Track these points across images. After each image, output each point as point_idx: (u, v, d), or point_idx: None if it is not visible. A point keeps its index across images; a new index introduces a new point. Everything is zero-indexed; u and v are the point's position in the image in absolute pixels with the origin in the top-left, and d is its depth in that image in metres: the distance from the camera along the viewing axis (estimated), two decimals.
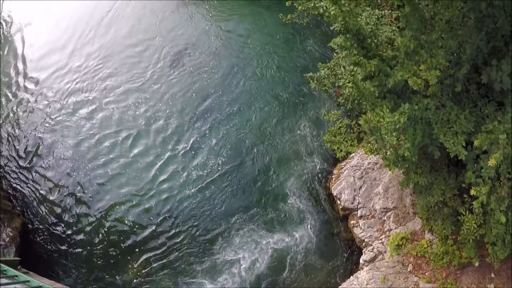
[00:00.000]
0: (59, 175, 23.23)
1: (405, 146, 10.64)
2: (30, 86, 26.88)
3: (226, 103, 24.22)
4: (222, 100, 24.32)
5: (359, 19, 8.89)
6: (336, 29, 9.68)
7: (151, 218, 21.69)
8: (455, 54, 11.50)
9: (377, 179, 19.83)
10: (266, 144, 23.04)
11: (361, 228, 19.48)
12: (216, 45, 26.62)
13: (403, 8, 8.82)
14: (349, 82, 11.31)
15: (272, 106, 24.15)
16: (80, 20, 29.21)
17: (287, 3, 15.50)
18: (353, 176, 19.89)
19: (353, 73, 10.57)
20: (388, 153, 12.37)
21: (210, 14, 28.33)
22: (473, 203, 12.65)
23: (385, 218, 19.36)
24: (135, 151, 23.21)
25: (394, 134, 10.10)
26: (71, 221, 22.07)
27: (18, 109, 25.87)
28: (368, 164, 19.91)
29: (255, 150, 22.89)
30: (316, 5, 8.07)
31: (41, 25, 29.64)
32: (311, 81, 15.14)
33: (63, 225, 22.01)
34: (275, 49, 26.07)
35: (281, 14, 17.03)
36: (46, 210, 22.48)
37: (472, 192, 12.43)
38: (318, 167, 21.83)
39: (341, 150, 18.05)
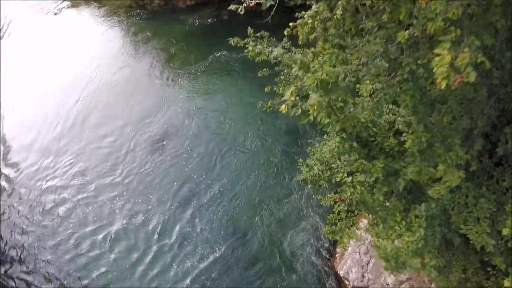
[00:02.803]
0: (39, 280, 20.50)
1: (430, 264, 8.45)
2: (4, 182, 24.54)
3: (209, 184, 21.89)
4: (205, 182, 21.99)
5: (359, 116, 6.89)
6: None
7: None
8: (465, 128, 9.51)
9: None
10: (259, 217, 20.69)
11: None
12: (191, 126, 24.64)
13: (406, 95, 6.79)
14: (347, 177, 9.20)
15: (259, 176, 22.02)
16: (52, 112, 27.36)
17: (265, 88, 13.54)
18: (358, 252, 17.55)
19: (355, 185, 8.43)
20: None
21: (182, 95, 26.62)
22: None
23: None
24: (117, 249, 20.42)
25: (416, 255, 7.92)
26: None
27: None
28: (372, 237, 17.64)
29: (248, 226, 20.51)
30: (308, 111, 6.01)
31: (20, 115, 27.84)
32: (303, 183, 12.91)
33: None
34: (255, 119, 24.20)
35: (260, 102, 15.01)
36: None
37: (506, 284, 10.26)
38: (320, 239, 19.49)
39: (343, 240, 15.56)
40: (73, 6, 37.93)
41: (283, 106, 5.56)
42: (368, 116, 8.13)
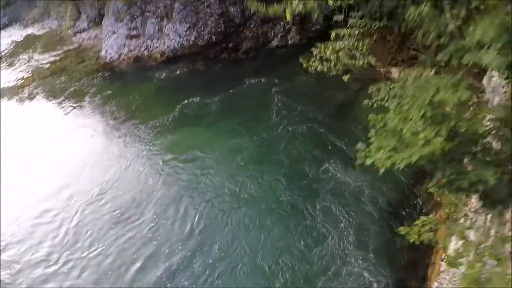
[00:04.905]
0: None
1: None
2: None
3: (188, 257, 14.23)
4: (181, 255, 14.35)
5: None
6: None
7: None
8: None
9: None
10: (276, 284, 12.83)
11: None
12: (156, 186, 17.73)
13: None
14: None
15: (264, 227, 14.69)
16: None
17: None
18: None
19: None
20: None
21: (144, 151, 20.15)
22: None
23: None
24: None
25: None
26: None
27: None
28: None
29: None
30: None
31: None
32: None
33: None
34: (244, 161, 17.79)
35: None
36: None
37: None
38: None
39: None
40: (38, 77, 31.51)
41: None
42: None
